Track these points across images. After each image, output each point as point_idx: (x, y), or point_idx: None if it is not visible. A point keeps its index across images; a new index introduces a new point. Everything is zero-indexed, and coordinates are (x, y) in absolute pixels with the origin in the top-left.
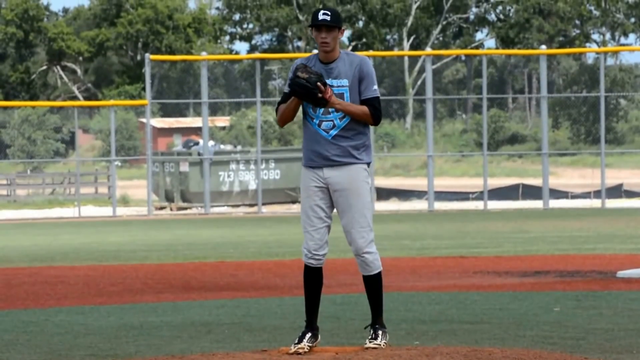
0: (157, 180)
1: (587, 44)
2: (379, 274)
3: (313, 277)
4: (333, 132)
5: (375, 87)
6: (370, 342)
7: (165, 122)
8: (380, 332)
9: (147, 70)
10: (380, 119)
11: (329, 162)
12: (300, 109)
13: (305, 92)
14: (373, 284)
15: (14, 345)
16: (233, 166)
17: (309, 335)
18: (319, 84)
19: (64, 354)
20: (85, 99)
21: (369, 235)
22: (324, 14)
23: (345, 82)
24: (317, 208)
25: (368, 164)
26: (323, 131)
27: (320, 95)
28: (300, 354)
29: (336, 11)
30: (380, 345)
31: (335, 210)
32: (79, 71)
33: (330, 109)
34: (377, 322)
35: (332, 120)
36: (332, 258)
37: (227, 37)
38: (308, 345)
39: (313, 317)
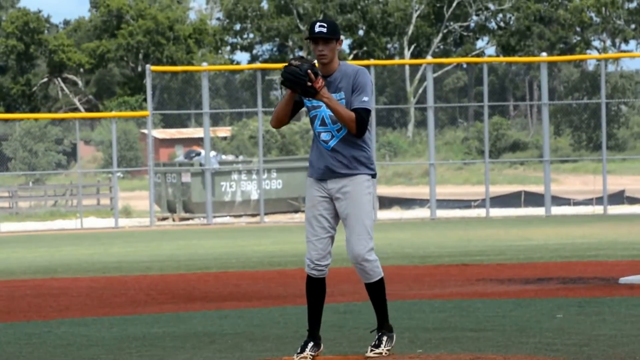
0: (159, 191)
1: (588, 51)
2: (381, 280)
3: (315, 288)
4: (332, 143)
5: (366, 98)
6: (371, 350)
7: (167, 133)
8: (384, 339)
9: (148, 82)
10: (363, 131)
11: (330, 174)
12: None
13: (295, 80)
14: (375, 291)
15: (16, 358)
16: (235, 176)
17: (311, 344)
18: (309, 71)
19: None
20: (87, 110)
21: (368, 243)
22: (320, 26)
23: (342, 94)
24: (321, 218)
25: (370, 174)
26: (323, 142)
27: (309, 84)
28: None
29: (332, 22)
30: (382, 353)
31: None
32: (80, 83)
33: (327, 122)
34: (383, 327)
35: (329, 132)
36: (334, 267)
37: (228, 48)
38: (311, 355)
39: (315, 327)
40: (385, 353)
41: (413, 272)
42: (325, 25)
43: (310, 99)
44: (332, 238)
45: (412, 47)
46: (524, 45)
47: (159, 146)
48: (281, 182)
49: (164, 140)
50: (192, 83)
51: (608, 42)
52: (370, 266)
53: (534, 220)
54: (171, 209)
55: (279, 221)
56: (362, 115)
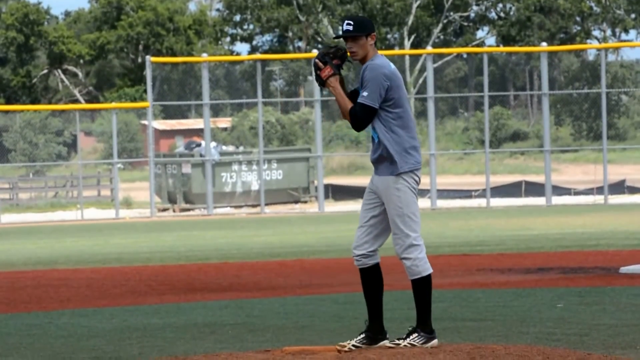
0: (160, 182)
1: (588, 41)
2: (421, 280)
3: (363, 277)
4: (373, 139)
5: (367, 93)
6: (391, 341)
7: (167, 124)
8: (414, 335)
9: (148, 73)
10: (357, 126)
11: (375, 169)
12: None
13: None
14: (414, 288)
15: (17, 349)
16: (235, 167)
17: (361, 336)
18: (317, 60)
19: (68, 357)
20: (87, 102)
21: (404, 241)
22: (347, 24)
23: (360, 89)
24: (364, 206)
25: (399, 172)
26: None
27: (317, 72)
28: (340, 351)
29: (360, 19)
30: (399, 344)
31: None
32: (80, 74)
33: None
34: (418, 326)
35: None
36: (334, 258)
37: (228, 39)
38: (353, 345)
39: (371, 318)
40: (404, 345)
41: None
42: (352, 22)
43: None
44: (372, 228)
45: (412, 37)
46: (524, 35)
47: (159, 137)
48: (281, 172)
49: (164, 132)
50: (192, 74)
51: (608, 32)
52: (409, 264)
53: (534, 210)
54: (172, 200)
55: (279, 212)
56: (356, 109)
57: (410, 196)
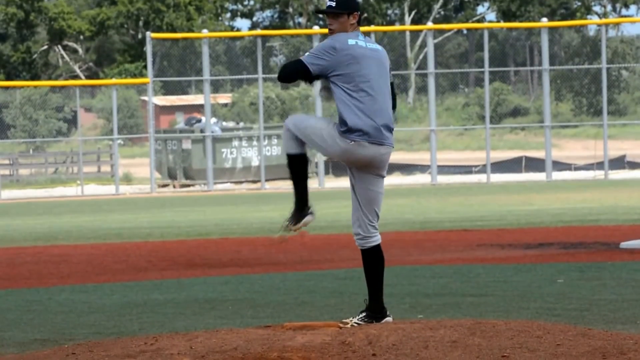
0: (160, 158)
1: (589, 16)
2: (289, 157)
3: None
4: None
5: (308, 52)
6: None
7: (167, 100)
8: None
9: (148, 49)
10: (281, 74)
11: None
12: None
13: None
14: (288, 162)
15: (17, 324)
16: (235, 143)
17: (362, 314)
18: None
19: (68, 333)
20: (87, 77)
21: (287, 120)
22: (330, 0)
23: None
24: None
25: (341, 130)
26: None
27: None
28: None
29: None
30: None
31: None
32: (80, 50)
33: None
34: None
35: None
36: (334, 233)
37: (228, 15)
38: (355, 323)
39: (371, 297)
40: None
41: (413, 237)
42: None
43: None
44: (352, 206)
45: (413, 13)
46: (525, 11)
47: (159, 113)
48: (282, 148)
49: (164, 108)
50: (193, 50)
51: (609, 7)
52: (283, 134)
53: (534, 185)
54: (172, 176)
55: (279, 187)
56: (291, 61)
57: (331, 135)
